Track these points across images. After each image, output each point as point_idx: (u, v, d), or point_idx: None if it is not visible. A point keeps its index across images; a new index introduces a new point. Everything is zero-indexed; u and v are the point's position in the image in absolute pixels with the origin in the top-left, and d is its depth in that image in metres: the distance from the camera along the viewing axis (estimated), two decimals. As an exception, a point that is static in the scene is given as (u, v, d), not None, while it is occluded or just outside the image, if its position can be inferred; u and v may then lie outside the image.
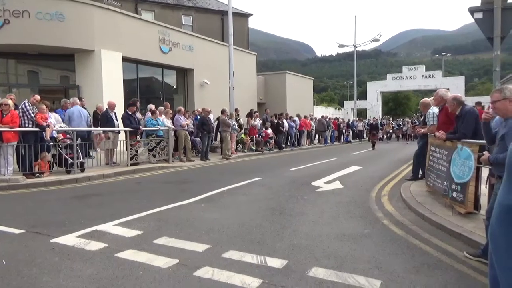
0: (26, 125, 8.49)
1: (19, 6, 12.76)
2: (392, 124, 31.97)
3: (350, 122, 29.04)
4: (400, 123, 32.36)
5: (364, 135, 29.45)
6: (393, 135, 31.14)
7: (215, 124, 15.12)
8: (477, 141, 5.11)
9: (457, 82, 38.91)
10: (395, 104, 57.48)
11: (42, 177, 8.45)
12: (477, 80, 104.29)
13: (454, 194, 5.34)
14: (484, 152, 3.83)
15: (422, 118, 8.87)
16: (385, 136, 29.73)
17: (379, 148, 20.33)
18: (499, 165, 3.37)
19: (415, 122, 28.53)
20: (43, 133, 8.66)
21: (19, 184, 7.78)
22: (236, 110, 16.59)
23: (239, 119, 16.56)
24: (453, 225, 4.73)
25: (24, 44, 13.01)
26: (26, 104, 8.59)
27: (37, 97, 9.08)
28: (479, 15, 6.44)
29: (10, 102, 8.28)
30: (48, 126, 8.68)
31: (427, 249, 4.12)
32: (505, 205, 1.33)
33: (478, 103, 13.97)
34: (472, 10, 6.53)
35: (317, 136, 24.21)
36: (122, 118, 11.19)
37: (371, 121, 26.16)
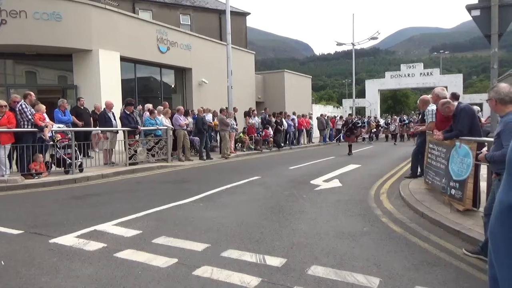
0: (24, 125, 8.46)
1: (16, 6, 12.72)
2: (375, 122, 28.36)
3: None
4: (389, 121, 28.04)
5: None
6: (382, 135, 28.29)
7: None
8: (475, 138, 5.13)
9: (455, 79, 38.93)
10: (394, 102, 57.54)
11: (40, 178, 8.43)
12: (475, 78, 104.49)
13: (453, 191, 5.35)
14: (482, 150, 3.85)
15: (421, 115, 8.88)
16: (367, 136, 26.56)
17: (361, 151, 17.29)
18: (496, 162, 3.38)
19: (403, 120, 25.94)
20: (41, 133, 8.62)
21: (17, 185, 7.76)
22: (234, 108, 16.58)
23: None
24: (451, 223, 4.73)
25: (22, 45, 12.98)
26: (23, 104, 8.53)
27: (31, 93, 8.95)
28: (477, 13, 6.44)
29: (2, 102, 8.18)
30: (46, 126, 8.66)
31: (426, 246, 4.13)
32: (506, 203, 1.32)
33: None
34: (469, 8, 6.52)
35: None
36: (120, 118, 11.19)
37: (348, 119, 19.83)
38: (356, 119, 26.14)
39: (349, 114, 19.16)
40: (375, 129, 27.45)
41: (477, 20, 6.42)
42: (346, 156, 14.53)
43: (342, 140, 21.91)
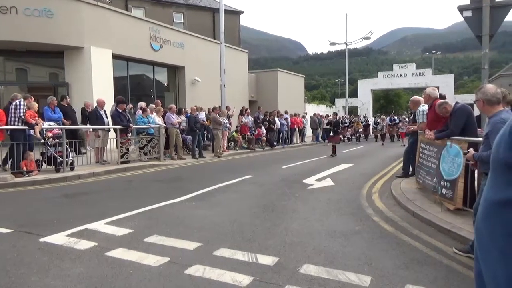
0: (15, 123, 8.38)
1: (7, 2, 12.55)
2: (361, 122, 26.94)
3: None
4: (379, 120, 26.25)
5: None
6: (371, 135, 27.09)
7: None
8: (466, 138, 5.17)
9: (447, 80, 39.25)
10: (386, 101, 57.90)
11: (31, 176, 8.34)
12: (467, 78, 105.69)
13: (444, 190, 5.39)
14: (469, 150, 3.88)
15: (412, 116, 8.95)
16: (353, 137, 25.29)
17: (349, 151, 16.58)
18: (483, 162, 3.42)
19: (394, 120, 24.88)
20: (31, 131, 8.54)
21: (7, 183, 7.66)
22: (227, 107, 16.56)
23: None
24: (442, 221, 4.78)
25: (12, 41, 12.81)
26: (22, 101, 8.48)
27: (31, 97, 8.98)
28: (468, 13, 6.50)
29: None
30: (36, 124, 8.58)
31: (416, 245, 4.16)
32: (490, 200, 1.34)
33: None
34: (461, 9, 6.58)
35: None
36: (112, 116, 11.09)
37: (331, 118, 18.10)
38: (344, 118, 25.48)
39: (334, 113, 18.01)
40: (361, 129, 26.18)
41: (469, 21, 6.49)
42: (339, 155, 14.40)
43: (326, 141, 20.96)
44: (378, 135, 25.15)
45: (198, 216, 5.33)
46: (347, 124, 24.91)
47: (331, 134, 14.90)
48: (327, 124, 17.81)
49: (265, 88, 26.85)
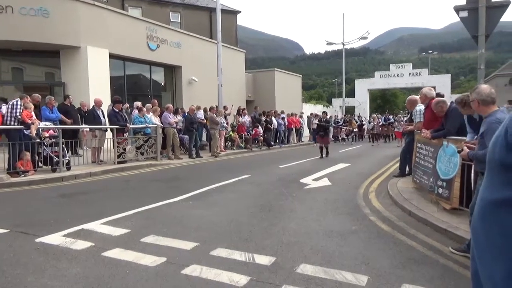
0: (11, 122, 8.34)
1: (2, 1, 12.51)
2: (356, 122, 26.08)
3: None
4: (371, 119, 25.27)
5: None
6: (366, 135, 26.07)
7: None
8: (463, 138, 5.19)
9: (443, 80, 39.36)
10: (383, 101, 57.99)
11: (27, 176, 8.30)
12: (463, 78, 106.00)
13: (440, 190, 5.41)
14: (463, 148, 3.89)
15: (409, 115, 8.98)
16: (349, 137, 24.28)
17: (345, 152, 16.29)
18: (479, 161, 3.43)
19: (389, 119, 24.25)
20: (28, 131, 8.50)
21: (3, 183, 7.62)
22: (224, 108, 16.54)
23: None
24: (438, 221, 4.80)
25: (8, 40, 12.76)
26: (19, 101, 8.46)
27: (27, 97, 8.98)
28: (465, 14, 6.53)
29: None
30: (32, 123, 8.54)
31: (413, 244, 4.17)
32: (486, 200, 1.35)
33: (510, 101, 13.98)
34: (457, 9, 6.61)
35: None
36: (109, 116, 11.06)
37: (321, 117, 16.10)
38: (336, 117, 25.02)
39: (323, 112, 17.28)
40: (356, 129, 25.28)
41: (465, 21, 6.51)
42: (336, 155, 14.49)
43: (314, 142, 20.10)
44: (369, 135, 24.38)
45: (195, 216, 5.33)
46: (341, 123, 24.45)
47: (321, 134, 14.09)
48: (318, 121, 16.70)
49: (262, 88, 26.85)
